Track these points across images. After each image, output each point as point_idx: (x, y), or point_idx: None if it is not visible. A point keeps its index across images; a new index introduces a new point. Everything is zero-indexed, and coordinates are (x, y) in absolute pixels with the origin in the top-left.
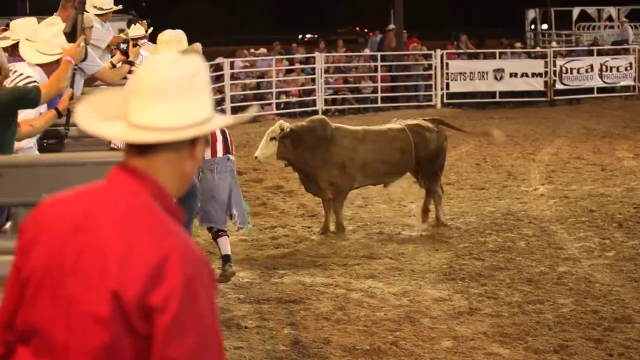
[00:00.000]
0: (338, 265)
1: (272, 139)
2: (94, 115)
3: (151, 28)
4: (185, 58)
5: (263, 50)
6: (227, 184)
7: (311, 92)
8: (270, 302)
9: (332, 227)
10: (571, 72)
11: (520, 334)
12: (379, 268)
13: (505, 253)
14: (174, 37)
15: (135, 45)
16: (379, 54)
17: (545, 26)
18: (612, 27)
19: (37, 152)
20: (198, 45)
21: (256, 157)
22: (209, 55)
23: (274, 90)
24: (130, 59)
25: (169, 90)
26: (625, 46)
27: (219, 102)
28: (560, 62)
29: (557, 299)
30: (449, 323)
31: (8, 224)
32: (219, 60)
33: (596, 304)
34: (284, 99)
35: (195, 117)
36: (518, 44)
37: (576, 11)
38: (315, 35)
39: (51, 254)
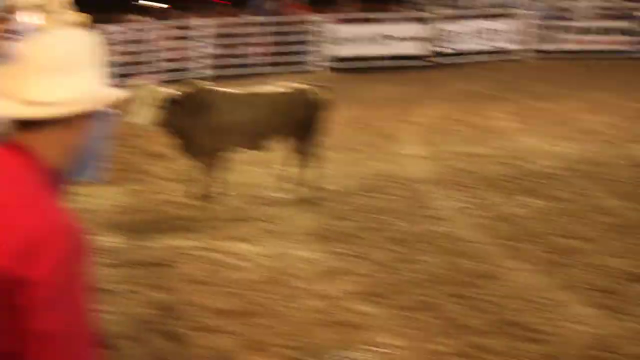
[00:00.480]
0: (210, 228)
1: (149, 104)
2: None
3: None
4: (76, 32)
5: (140, 17)
6: (101, 136)
7: (193, 58)
8: (140, 266)
9: (205, 191)
10: (453, 36)
11: (387, 292)
12: (251, 231)
13: (377, 214)
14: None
15: None
16: (262, 19)
17: None
18: None
19: None
20: (85, 16)
21: (133, 122)
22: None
23: (155, 56)
24: None
25: (59, 65)
26: (508, 9)
27: None
28: (442, 25)
29: (426, 258)
30: (318, 283)
31: None
32: (100, 27)
33: (463, 262)
34: (165, 65)
35: (84, 91)
36: (400, 8)
37: None
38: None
39: None
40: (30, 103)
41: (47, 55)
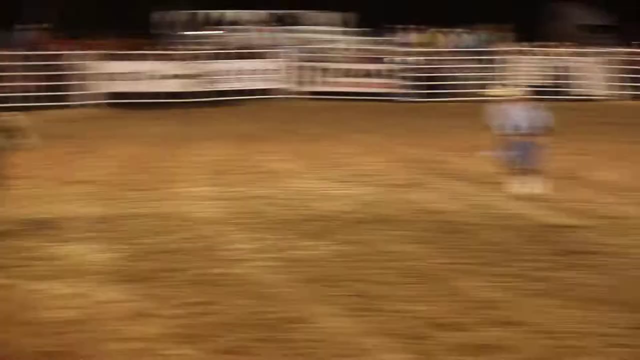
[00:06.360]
0: (4, 267)
1: None
2: None
3: None
4: None
5: None
6: None
7: None
8: None
9: None
10: (213, 75)
11: (193, 335)
12: (48, 269)
13: (172, 255)
14: None
15: None
16: (30, 53)
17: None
18: (243, 30)
19: None
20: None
21: None
22: None
23: None
24: None
25: None
26: (268, 50)
27: None
28: (199, 64)
29: (227, 301)
30: (122, 324)
31: None
32: None
33: (265, 305)
34: None
35: None
36: (159, 47)
37: (203, 15)
38: None
39: None
40: None
41: None
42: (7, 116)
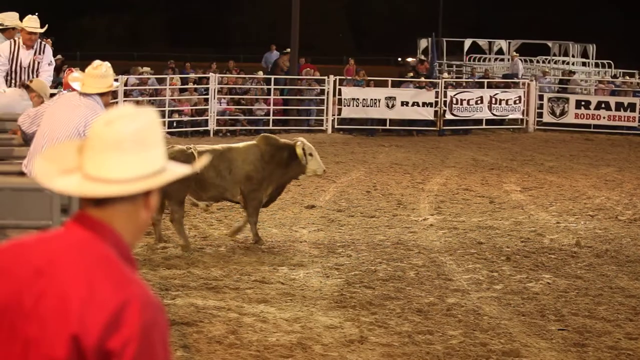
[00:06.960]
0: (230, 288)
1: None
2: (51, 169)
3: (46, 25)
4: (139, 111)
5: (147, 68)
6: None
7: (204, 112)
8: None
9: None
10: (461, 103)
11: None
12: (271, 293)
13: (396, 282)
14: (103, 72)
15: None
16: (272, 77)
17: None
18: (502, 60)
19: None
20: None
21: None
22: None
23: (166, 108)
24: None
25: (124, 144)
26: (515, 80)
27: None
28: (450, 92)
29: (447, 330)
30: (340, 351)
31: None
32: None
33: (485, 337)
34: (176, 117)
35: (150, 169)
36: (410, 74)
37: (467, 42)
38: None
39: (8, 296)
40: (101, 180)
41: (116, 134)
42: (297, 140)
